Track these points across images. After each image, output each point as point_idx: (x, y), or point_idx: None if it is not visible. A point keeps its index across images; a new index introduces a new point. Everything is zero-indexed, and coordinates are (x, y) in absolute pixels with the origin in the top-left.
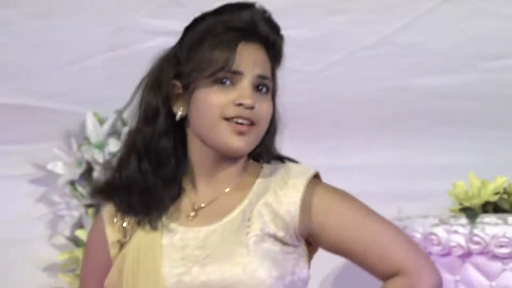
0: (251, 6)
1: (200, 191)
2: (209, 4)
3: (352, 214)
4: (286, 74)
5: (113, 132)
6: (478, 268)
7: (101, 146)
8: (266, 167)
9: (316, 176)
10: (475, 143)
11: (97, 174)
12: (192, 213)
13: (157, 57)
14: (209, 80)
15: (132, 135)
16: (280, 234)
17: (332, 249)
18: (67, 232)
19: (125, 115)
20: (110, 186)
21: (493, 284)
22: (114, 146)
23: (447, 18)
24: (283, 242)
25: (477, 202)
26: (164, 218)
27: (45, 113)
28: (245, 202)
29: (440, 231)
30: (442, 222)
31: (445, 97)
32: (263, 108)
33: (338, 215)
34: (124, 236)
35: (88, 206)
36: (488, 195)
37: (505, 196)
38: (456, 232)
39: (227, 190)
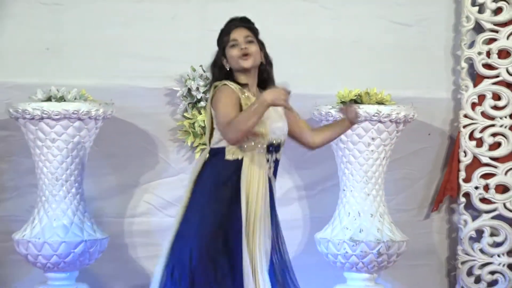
0: (238, 17)
1: (250, 87)
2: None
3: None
4: None
5: (200, 75)
6: None
7: (194, 80)
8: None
9: None
10: None
11: (193, 92)
12: (253, 97)
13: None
14: (229, 47)
15: (215, 68)
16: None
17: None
18: (180, 113)
19: (205, 69)
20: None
21: None
22: (199, 81)
23: None
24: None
25: None
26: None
27: (170, 66)
28: None
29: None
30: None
31: None
32: (252, 48)
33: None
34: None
35: (189, 103)
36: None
37: None
38: None
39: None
